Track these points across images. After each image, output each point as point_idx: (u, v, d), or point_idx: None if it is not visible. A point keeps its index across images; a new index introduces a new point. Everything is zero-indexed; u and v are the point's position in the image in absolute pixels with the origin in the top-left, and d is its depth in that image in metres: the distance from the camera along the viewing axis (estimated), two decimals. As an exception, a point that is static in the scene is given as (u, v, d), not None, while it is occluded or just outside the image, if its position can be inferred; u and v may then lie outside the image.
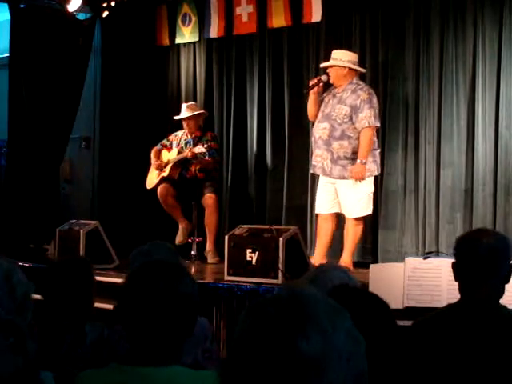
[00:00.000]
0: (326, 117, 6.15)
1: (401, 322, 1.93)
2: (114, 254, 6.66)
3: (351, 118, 6.04)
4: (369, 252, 6.90)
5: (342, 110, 6.07)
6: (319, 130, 6.16)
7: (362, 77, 6.67)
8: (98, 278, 3.67)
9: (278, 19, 7.51)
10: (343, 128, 6.05)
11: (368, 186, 6.12)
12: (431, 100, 6.63)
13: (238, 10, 7.77)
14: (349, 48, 7.01)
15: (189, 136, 7.26)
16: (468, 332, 2.41)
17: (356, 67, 6.24)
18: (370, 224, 6.83)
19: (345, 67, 6.16)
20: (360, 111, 6.00)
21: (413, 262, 4.39)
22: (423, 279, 4.33)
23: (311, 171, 6.46)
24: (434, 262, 4.36)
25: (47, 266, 3.26)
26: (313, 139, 6.29)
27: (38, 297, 2.62)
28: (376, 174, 6.21)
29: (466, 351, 2.37)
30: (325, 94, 6.29)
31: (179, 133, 7.39)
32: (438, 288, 4.26)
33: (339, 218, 6.33)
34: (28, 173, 8.16)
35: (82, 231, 6.66)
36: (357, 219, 6.13)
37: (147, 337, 1.94)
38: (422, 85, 6.69)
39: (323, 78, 6.23)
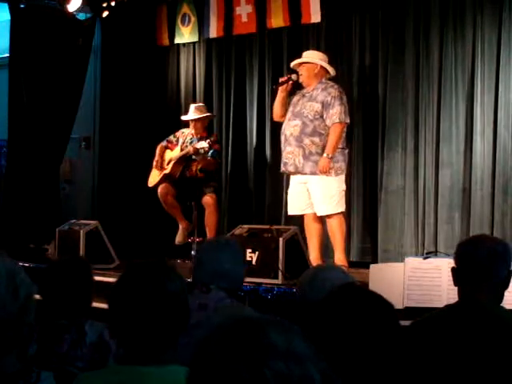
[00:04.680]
0: (296, 114, 6.17)
1: (401, 322, 1.94)
2: (113, 254, 6.66)
3: (322, 115, 6.08)
4: (368, 252, 6.90)
5: (314, 106, 6.11)
6: (290, 128, 6.16)
7: (361, 75, 6.68)
8: (98, 278, 3.67)
9: (277, 19, 7.52)
10: (314, 124, 6.08)
11: (340, 184, 6.11)
12: (430, 100, 6.64)
13: (237, 10, 7.77)
14: (348, 48, 7.03)
15: (194, 136, 7.27)
16: (466, 333, 2.42)
17: (327, 66, 6.28)
18: (370, 224, 6.83)
19: (317, 65, 6.21)
20: (331, 107, 6.05)
21: (413, 262, 4.39)
22: (423, 279, 4.33)
23: (282, 170, 6.32)
24: (434, 262, 4.36)
25: (47, 266, 3.26)
26: (283, 137, 6.24)
27: (37, 297, 2.62)
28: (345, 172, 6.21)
29: (464, 352, 2.37)
30: (293, 96, 6.31)
31: (186, 130, 7.38)
32: (438, 288, 4.26)
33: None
34: (28, 173, 8.16)
35: (81, 231, 6.67)
36: (332, 216, 6.09)
37: (140, 336, 1.96)
38: (421, 85, 6.69)
39: (293, 76, 6.28)
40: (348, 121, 6.12)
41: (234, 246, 3.34)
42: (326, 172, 5.97)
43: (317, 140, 6.05)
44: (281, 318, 1.14)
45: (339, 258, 6.04)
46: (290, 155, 6.14)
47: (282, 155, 6.31)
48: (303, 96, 6.22)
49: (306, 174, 6.09)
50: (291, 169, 6.17)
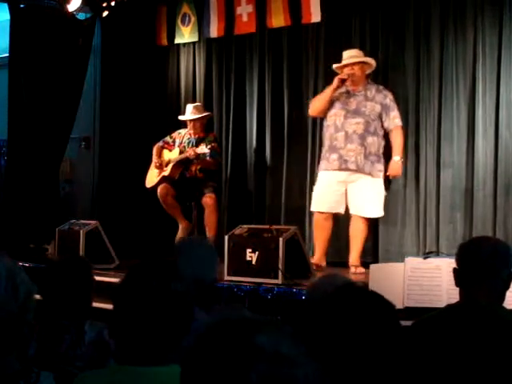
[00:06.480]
0: (355, 112, 6.12)
1: (401, 322, 1.93)
2: (113, 254, 6.65)
3: (380, 116, 6.11)
4: (369, 252, 6.89)
5: (374, 107, 6.12)
6: (352, 125, 6.11)
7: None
8: (98, 278, 3.67)
9: (277, 19, 7.51)
10: (375, 124, 6.12)
11: (384, 188, 6.18)
12: (431, 100, 6.64)
13: (238, 10, 7.77)
14: (348, 48, 7.00)
15: (192, 136, 7.25)
16: (467, 333, 2.41)
17: (374, 63, 6.31)
18: (371, 224, 6.82)
19: (370, 65, 6.26)
20: (391, 110, 6.12)
21: (413, 262, 4.38)
22: (423, 279, 4.32)
23: (338, 167, 6.13)
24: (434, 261, 4.35)
25: (47, 266, 3.26)
26: (342, 134, 6.12)
27: (37, 297, 2.62)
28: None
29: (465, 352, 2.37)
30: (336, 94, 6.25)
31: (182, 131, 7.37)
32: (438, 288, 4.26)
33: (337, 218, 6.35)
34: (28, 173, 8.16)
35: (81, 231, 6.66)
36: (369, 219, 6.13)
37: (143, 336, 1.93)
38: (422, 85, 6.70)
39: (350, 74, 6.18)
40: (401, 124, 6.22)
41: (198, 247, 3.36)
42: (398, 175, 6.14)
43: (376, 140, 6.11)
44: (272, 319, 1.13)
45: (356, 259, 6.07)
46: (352, 153, 6.09)
47: (334, 152, 6.16)
48: (354, 95, 6.18)
49: (364, 173, 6.06)
50: (352, 166, 6.09)
